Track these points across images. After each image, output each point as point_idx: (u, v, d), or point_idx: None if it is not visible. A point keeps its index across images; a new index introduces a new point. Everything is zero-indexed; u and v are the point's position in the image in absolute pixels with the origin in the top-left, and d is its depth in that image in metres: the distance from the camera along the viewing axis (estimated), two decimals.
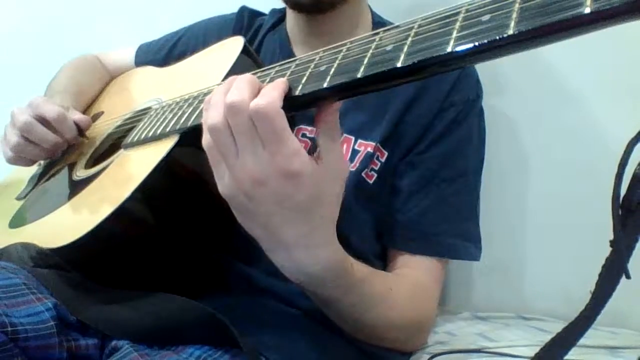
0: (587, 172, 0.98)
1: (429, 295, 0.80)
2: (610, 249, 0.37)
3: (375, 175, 0.83)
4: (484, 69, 0.90)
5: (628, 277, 0.37)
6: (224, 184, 0.51)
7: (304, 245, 0.52)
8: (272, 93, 0.46)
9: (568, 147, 1.03)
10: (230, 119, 0.47)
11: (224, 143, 0.49)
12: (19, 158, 0.88)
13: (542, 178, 1.07)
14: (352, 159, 0.81)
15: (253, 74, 0.56)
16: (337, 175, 0.51)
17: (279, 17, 1.01)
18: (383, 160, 0.83)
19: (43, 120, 0.83)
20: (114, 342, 0.62)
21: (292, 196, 0.48)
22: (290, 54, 0.92)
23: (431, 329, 0.91)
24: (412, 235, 0.81)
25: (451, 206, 0.83)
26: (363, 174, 0.82)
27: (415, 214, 0.82)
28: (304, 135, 0.83)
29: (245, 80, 0.49)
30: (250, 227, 0.53)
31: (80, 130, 0.89)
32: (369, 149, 0.82)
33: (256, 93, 0.48)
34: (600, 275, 0.38)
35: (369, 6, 0.95)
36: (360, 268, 0.62)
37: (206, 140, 0.51)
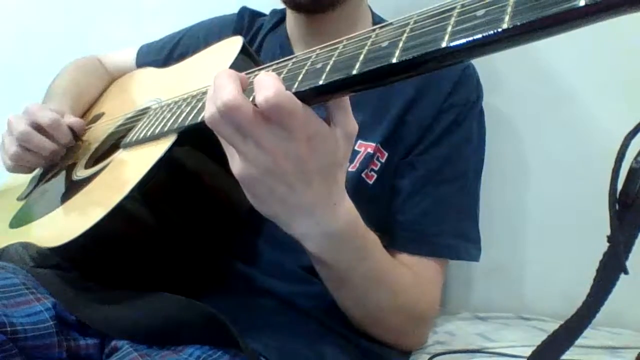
0: (587, 173, 0.98)
1: (431, 289, 0.80)
2: (608, 244, 0.37)
3: (375, 176, 0.83)
4: (484, 69, 0.90)
5: (626, 272, 0.36)
6: (238, 167, 0.51)
7: (324, 204, 0.54)
8: (274, 83, 0.45)
9: (567, 147, 1.03)
10: (231, 117, 0.47)
11: (225, 135, 0.49)
12: (18, 167, 0.88)
13: (542, 178, 1.07)
14: (352, 160, 0.81)
15: (250, 72, 0.56)
16: (347, 136, 0.51)
17: (280, 17, 1.01)
18: (383, 161, 0.83)
19: (39, 127, 0.83)
20: (113, 342, 0.62)
21: (312, 158, 0.49)
22: (290, 55, 0.92)
23: (431, 327, 0.91)
24: (412, 236, 0.81)
25: (451, 207, 0.83)
26: (363, 175, 0.82)
27: (415, 214, 0.82)
28: None
29: (226, 75, 0.49)
30: (267, 206, 0.54)
31: (75, 134, 0.89)
32: (369, 150, 0.82)
33: (239, 84, 0.48)
34: (597, 271, 0.38)
35: (369, 6, 0.96)
36: (371, 232, 0.64)
37: None
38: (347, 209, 0.58)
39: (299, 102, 0.46)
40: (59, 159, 0.90)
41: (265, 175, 0.49)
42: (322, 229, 0.56)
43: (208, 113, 0.49)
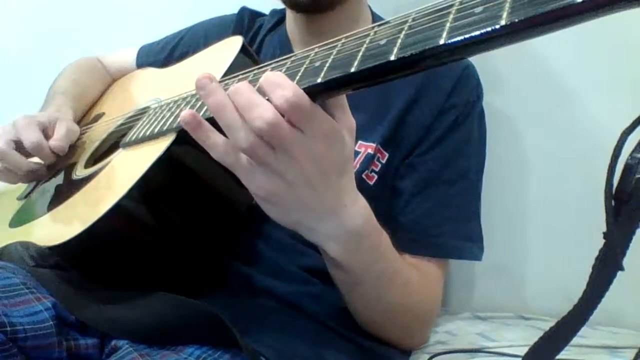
0: (587, 172, 0.97)
1: (435, 289, 0.80)
2: (604, 241, 0.37)
3: (376, 176, 0.83)
4: (484, 69, 0.90)
5: (621, 269, 0.36)
6: (261, 184, 0.51)
7: (343, 203, 0.54)
8: (288, 81, 0.46)
9: (567, 147, 1.03)
10: (273, 135, 0.46)
11: (262, 155, 0.49)
12: (5, 180, 0.87)
13: (542, 178, 1.06)
14: None
15: (249, 71, 0.57)
16: (350, 131, 0.52)
17: (280, 17, 1.01)
18: (384, 161, 0.83)
19: (21, 146, 0.81)
20: (113, 342, 0.62)
21: (329, 156, 0.50)
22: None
23: (432, 327, 0.91)
24: (414, 237, 0.81)
25: (453, 207, 0.83)
26: (363, 176, 0.82)
27: (417, 215, 0.82)
28: None
29: (247, 90, 0.48)
30: (291, 215, 0.54)
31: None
32: (370, 151, 0.82)
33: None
34: (593, 268, 0.38)
35: (369, 6, 0.96)
36: (384, 231, 0.64)
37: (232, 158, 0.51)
38: (363, 205, 0.58)
39: (309, 99, 0.46)
40: (46, 173, 0.88)
41: (292, 184, 0.50)
42: (346, 228, 0.56)
43: (243, 139, 0.48)
